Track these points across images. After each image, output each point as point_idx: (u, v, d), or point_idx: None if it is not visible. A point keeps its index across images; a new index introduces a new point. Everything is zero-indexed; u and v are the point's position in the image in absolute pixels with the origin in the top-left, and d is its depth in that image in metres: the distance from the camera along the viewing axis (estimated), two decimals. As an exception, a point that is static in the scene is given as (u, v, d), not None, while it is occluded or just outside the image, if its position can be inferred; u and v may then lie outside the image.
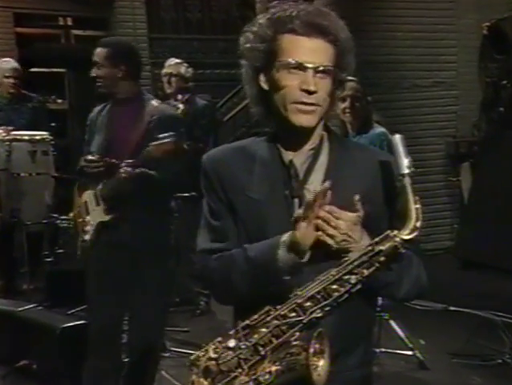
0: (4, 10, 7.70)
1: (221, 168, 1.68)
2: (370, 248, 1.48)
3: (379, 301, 4.02)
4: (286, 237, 1.54)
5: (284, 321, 1.47)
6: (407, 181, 1.52)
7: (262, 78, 1.64)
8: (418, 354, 4.03)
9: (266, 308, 1.49)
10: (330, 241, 1.52)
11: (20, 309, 4.09)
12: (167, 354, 4.25)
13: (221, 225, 1.67)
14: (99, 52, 3.18)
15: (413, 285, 1.63)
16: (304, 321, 1.47)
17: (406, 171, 1.52)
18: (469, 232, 6.40)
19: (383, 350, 4.09)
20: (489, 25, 6.95)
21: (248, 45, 1.64)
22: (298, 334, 1.46)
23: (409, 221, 1.48)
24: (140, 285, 3.18)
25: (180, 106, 5.27)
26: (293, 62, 1.57)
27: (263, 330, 1.48)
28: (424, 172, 6.79)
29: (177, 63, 5.58)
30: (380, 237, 1.48)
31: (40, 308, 4.27)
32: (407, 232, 1.48)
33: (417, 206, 1.49)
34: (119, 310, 3.23)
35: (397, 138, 1.57)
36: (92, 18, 9.23)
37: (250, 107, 1.71)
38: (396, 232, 1.48)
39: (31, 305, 4.19)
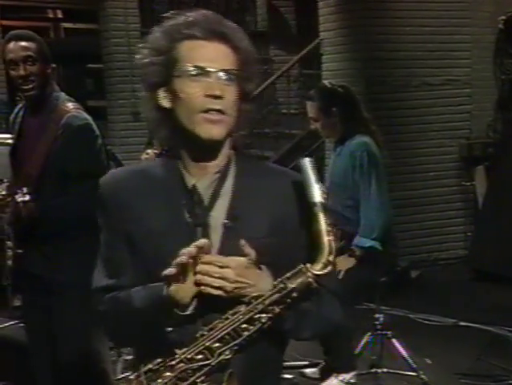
0: (-12, 2, 7.77)
1: (117, 193, 1.62)
2: (282, 285, 1.46)
3: (381, 318, 4.09)
4: (165, 292, 1.48)
5: (191, 365, 1.46)
6: (319, 210, 1.49)
7: (161, 94, 1.59)
8: (422, 375, 4.04)
9: (171, 351, 1.47)
10: (218, 293, 1.47)
11: (-1, 326, 4.11)
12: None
13: (116, 258, 1.62)
14: (32, 46, 2.94)
15: (321, 325, 1.62)
16: (213, 363, 1.46)
17: (318, 199, 1.50)
18: (483, 240, 6.40)
19: (384, 370, 4.11)
20: (505, 18, 6.96)
21: (145, 60, 1.59)
22: (205, 376, 1.46)
23: (321, 255, 1.47)
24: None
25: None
26: (194, 67, 1.54)
27: (168, 374, 1.46)
28: (435, 177, 6.82)
29: None
30: (292, 272, 1.47)
31: (22, 325, 4.29)
32: (319, 266, 1.46)
33: (330, 238, 1.47)
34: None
35: (305, 162, 1.53)
36: (83, 10, 9.30)
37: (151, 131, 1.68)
38: (308, 266, 1.47)
39: (11, 323, 4.22)
